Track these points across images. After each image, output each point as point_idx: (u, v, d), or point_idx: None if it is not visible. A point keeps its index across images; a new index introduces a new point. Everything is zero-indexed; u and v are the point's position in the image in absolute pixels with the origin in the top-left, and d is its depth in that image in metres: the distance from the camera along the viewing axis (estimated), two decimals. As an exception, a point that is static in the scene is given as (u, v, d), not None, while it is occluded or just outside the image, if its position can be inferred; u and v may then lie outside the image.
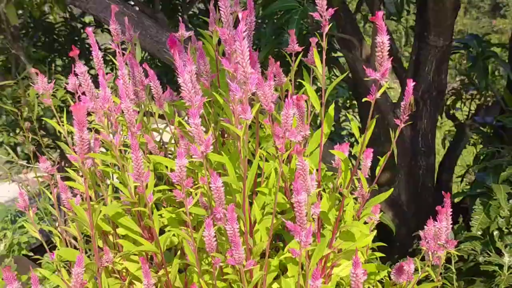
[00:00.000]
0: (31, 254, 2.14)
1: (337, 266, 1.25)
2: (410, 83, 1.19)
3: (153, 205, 1.12)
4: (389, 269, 1.24)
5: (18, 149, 2.65)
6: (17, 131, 2.51)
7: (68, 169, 1.13)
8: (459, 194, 2.63)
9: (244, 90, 0.92)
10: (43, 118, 1.40)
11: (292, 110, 0.98)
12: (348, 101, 4.61)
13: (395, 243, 2.98)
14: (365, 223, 1.37)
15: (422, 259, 2.24)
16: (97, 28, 3.49)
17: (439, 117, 3.48)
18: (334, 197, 1.18)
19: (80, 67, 1.12)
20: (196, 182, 1.05)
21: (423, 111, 2.76)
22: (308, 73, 1.26)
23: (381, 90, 1.08)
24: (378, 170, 1.25)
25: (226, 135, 1.30)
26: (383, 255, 1.40)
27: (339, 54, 3.34)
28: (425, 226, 1.22)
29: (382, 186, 3.02)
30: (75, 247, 1.33)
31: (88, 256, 1.31)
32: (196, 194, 1.01)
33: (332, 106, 1.21)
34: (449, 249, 1.28)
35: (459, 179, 3.52)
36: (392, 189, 1.30)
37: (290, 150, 1.03)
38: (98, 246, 1.26)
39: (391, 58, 1.10)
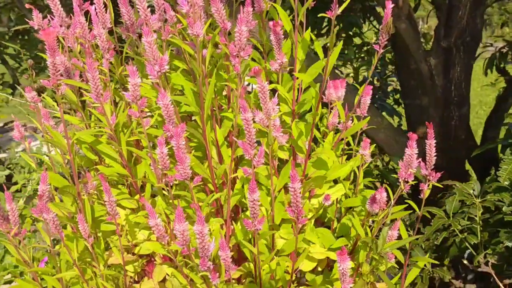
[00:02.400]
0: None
1: (314, 197, 1.24)
2: (389, 5, 1.12)
3: (120, 131, 1.14)
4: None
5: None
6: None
7: (45, 96, 1.17)
8: (490, 143, 2.50)
9: (191, 4, 0.90)
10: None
11: (245, 27, 0.95)
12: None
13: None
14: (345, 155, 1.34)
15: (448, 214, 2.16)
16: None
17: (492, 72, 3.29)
18: (306, 126, 1.16)
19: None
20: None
21: (456, 58, 2.62)
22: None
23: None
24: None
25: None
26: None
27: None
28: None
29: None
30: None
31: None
32: (153, 116, 1.02)
33: (308, 31, 1.16)
34: (433, 182, 1.24)
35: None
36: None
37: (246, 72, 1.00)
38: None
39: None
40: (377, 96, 4.11)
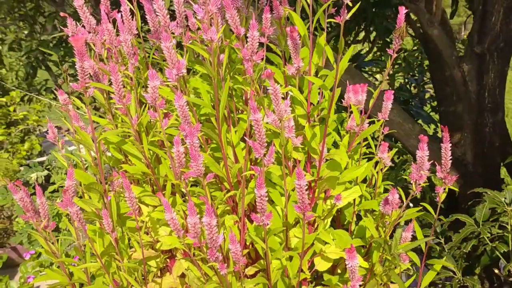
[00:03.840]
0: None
1: (330, 198, 1.26)
2: (402, 10, 1.15)
3: (144, 130, 1.20)
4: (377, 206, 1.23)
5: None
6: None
7: (74, 98, 1.24)
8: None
9: (205, 11, 0.96)
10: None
11: (257, 32, 1.00)
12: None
13: (460, 204, 2.86)
14: (365, 159, 1.37)
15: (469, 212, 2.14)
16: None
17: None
18: (321, 128, 1.19)
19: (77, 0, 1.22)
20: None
21: (489, 64, 2.59)
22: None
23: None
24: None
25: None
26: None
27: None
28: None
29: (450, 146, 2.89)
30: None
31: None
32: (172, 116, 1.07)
33: (323, 36, 1.20)
34: (448, 185, 1.24)
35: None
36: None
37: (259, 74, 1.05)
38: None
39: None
40: (413, 103, 4.08)
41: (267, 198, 0.94)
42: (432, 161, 1.17)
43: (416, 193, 1.13)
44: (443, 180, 1.24)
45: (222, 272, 0.91)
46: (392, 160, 1.38)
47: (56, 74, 3.80)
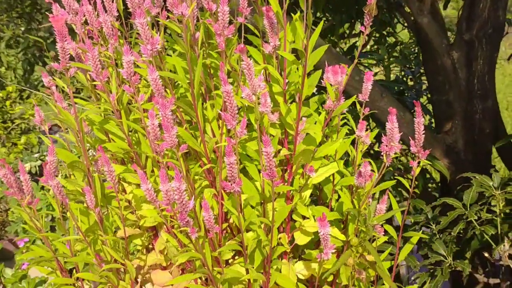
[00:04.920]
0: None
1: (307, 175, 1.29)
2: (373, -14, 1.17)
3: (124, 109, 1.24)
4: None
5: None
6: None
7: (55, 78, 1.28)
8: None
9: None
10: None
11: (227, 7, 1.03)
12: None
13: (452, 192, 2.88)
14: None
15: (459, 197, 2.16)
16: None
17: None
18: (296, 105, 1.22)
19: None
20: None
21: (478, 51, 2.61)
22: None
23: None
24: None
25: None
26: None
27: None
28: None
29: (442, 133, 2.92)
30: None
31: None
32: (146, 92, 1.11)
33: (298, 14, 1.23)
34: (422, 159, 1.27)
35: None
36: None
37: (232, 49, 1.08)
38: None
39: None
40: (408, 95, 4.10)
41: (240, 167, 0.97)
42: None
43: (387, 165, 1.15)
44: (417, 154, 1.26)
45: (193, 236, 0.94)
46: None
47: (53, 71, 3.86)
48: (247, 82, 1.09)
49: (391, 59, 4.46)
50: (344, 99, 1.29)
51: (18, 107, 3.52)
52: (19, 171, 1.26)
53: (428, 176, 3.41)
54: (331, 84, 1.33)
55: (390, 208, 1.33)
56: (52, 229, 2.42)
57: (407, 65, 4.48)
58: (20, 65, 4.05)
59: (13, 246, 2.90)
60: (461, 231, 2.21)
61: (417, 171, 1.29)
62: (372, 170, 1.20)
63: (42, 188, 2.49)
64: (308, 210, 1.29)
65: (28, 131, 3.69)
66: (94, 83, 1.35)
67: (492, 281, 2.40)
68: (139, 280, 1.42)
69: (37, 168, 2.64)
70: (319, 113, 1.45)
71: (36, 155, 2.80)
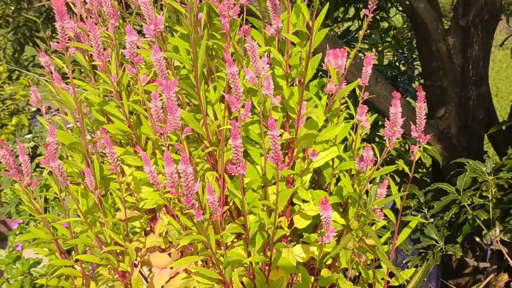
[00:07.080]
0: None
1: (308, 159, 1.29)
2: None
3: (124, 90, 1.22)
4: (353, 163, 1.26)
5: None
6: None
7: (53, 58, 1.26)
8: (506, 122, 2.49)
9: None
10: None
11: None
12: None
13: (444, 177, 2.90)
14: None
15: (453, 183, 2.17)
16: None
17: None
18: (299, 89, 1.21)
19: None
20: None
21: (474, 37, 2.61)
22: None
23: None
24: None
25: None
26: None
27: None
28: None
29: (435, 119, 2.93)
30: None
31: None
32: (149, 73, 1.09)
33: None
34: (422, 144, 1.27)
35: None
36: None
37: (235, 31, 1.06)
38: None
39: None
40: (401, 80, 4.11)
41: (242, 150, 0.97)
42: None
43: (390, 149, 1.16)
44: (418, 139, 1.27)
45: (199, 218, 0.94)
46: (380, 137, 1.41)
47: (45, 51, 3.80)
48: (250, 64, 1.08)
49: (384, 44, 4.46)
50: (345, 83, 1.29)
51: (9, 87, 3.47)
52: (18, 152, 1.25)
53: (418, 161, 3.44)
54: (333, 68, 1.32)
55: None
56: (45, 211, 2.40)
57: (400, 50, 4.49)
58: (10, 45, 3.99)
59: (6, 228, 2.88)
60: (453, 216, 2.23)
61: (417, 155, 1.30)
62: (374, 155, 1.20)
63: (35, 169, 2.47)
64: (308, 194, 1.30)
65: (17, 112, 3.64)
66: (94, 63, 1.34)
67: (482, 265, 2.44)
68: (136, 262, 1.41)
69: (30, 150, 2.61)
70: (319, 97, 1.45)
71: (29, 135, 2.77)
